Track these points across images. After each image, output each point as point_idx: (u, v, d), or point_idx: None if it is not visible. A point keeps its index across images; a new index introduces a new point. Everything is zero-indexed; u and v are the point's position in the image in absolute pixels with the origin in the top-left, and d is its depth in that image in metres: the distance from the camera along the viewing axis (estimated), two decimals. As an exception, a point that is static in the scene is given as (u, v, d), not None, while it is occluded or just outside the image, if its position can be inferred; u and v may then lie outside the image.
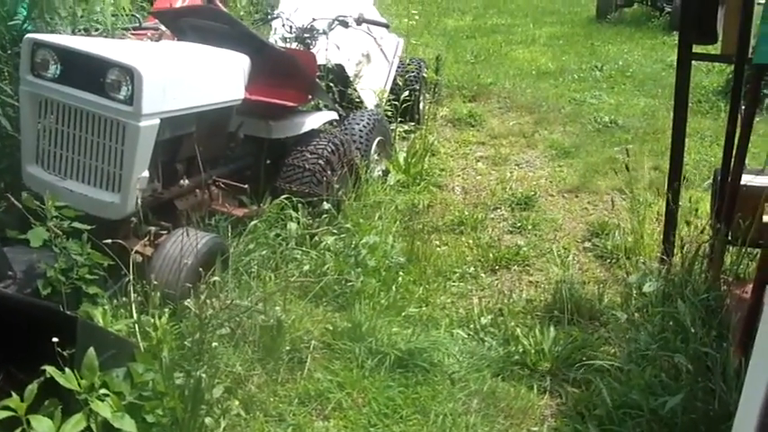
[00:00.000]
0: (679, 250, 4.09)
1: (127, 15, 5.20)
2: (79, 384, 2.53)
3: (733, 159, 3.90)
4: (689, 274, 3.90)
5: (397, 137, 6.90)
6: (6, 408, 2.40)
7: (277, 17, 6.29)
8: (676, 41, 4.23)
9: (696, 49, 4.18)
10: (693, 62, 4.23)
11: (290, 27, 5.98)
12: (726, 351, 3.10)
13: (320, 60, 5.67)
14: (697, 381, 3.06)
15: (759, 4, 3.97)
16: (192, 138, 4.26)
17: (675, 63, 4.22)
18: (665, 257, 4.34)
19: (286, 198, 4.72)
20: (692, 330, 3.32)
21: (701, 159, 6.98)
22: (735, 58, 3.99)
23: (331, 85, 6.02)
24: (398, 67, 7.47)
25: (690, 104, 4.36)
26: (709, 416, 2.91)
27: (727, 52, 4.03)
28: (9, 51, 4.45)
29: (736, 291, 3.70)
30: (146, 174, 3.86)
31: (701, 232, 4.00)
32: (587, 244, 5.39)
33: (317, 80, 5.48)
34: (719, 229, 3.86)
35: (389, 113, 6.81)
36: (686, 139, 4.42)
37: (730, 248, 4.01)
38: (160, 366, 2.92)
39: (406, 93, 7.03)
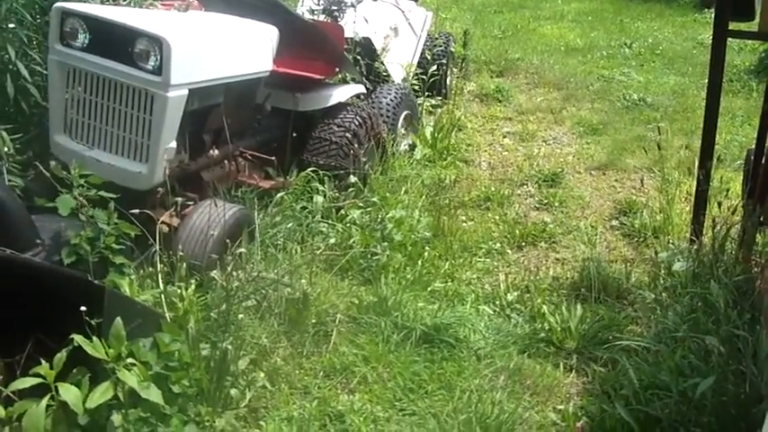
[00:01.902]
0: (709, 230, 4.04)
1: (155, -15, 5.18)
2: (107, 353, 2.53)
3: (768, 139, 3.83)
4: (720, 255, 3.85)
5: (423, 111, 6.86)
6: (36, 375, 2.41)
7: (305, -11, 6.25)
8: (707, 19, 4.19)
9: (732, 26, 4.10)
10: (727, 40, 4.15)
11: (319, -1, 5.94)
12: (758, 334, 3.05)
13: (348, 33, 5.62)
14: (728, 363, 3.01)
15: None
16: (220, 109, 4.24)
17: (708, 41, 4.14)
18: (694, 238, 4.28)
19: (312, 171, 4.71)
20: (724, 312, 3.27)
21: (731, 139, 6.86)
22: (774, 36, 3.92)
23: (358, 58, 5.97)
24: (426, 41, 7.41)
25: (722, 83, 4.28)
26: (739, 399, 2.86)
27: (765, 29, 3.94)
28: (38, 20, 4.44)
29: (769, 273, 3.65)
30: (173, 144, 3.85)
31: (733, 213, 3.94)
32: (614, 222, 5.34)
33: (345, 53, 5.44)
34: (752, 210, 3.80)
35: (417, 87, 6.77)
36: (718, 119, 4.34)
37: (762, 229, 3.95)
38: (186, 337, 2.92)
39: (434, 67, 6.96)
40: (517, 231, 5.04)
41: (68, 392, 2.45)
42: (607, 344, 3.68)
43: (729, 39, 4.19)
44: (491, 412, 3.19)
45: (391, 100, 5.81)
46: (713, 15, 4.17)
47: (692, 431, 2.92)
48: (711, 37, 4.14)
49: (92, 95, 3.88)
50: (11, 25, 4.19)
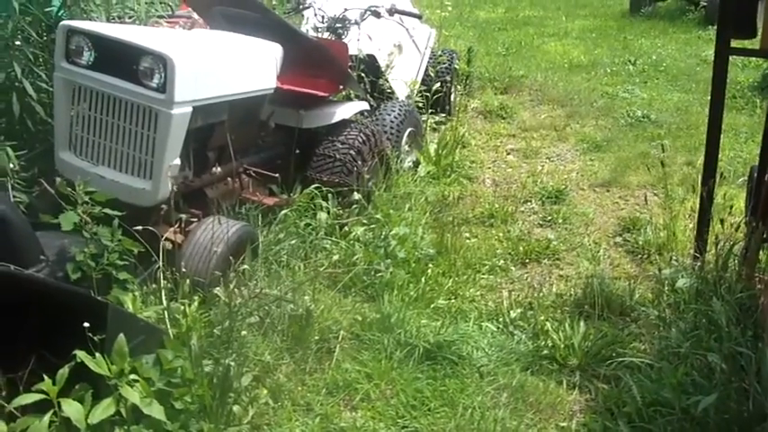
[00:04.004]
0: (713, 247, 4.04)
1: (160, 3, 5.22)
2: (109, 369, 2.54)
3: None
4: (723, 272, 3.85)
5: (427, 128, 6.86)
6: (38, 391, 2.42)
7: (309, 7, 6.27)
8: (711, 36, 4.20)
9: (734, 43, 4.11)
10: (730, 57, 4.16)
11: (323, 17, 5.97)
12: (761, 351, 3.05)
13: (352, 50, 5.64)
14: (731, 380, 3.01)
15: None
16: (224, 126, 4.26)
17: (711, 58, 4.15)
18: (697, 254, 4.28)
19: (316, 188, 4.71)
20: (727, 329, 3.26)
21: (735, 156, 6.86)
22: (775, 53, 3.93)
23: (362, 75, 6.00)
24: (430, 58, 7.42)
25: (725, 100, 4.29)
26: (742, 416, 2.86)
27: (766, 47, 3.95)
28: (44, 38, 4.48)
29: (772, 289, 3.65)
30: (177, 161, 3.87)
31: (736, 230, 3.94)
32: (618, 239, 5.32)
33: (349, 70, 5.46)
34: (755, 227, 3.80)
35: (420, 104, 6.78)
36: (721, 135, 4.35)
37: (766, 247, 3.95)
38: (189, 353, 2.92)
39: (438, 84, 6.99)
40: (521, 248, 5.04)
41: (71, 408, 2.45)
42: (610, 361, 3.67)
43: (733, 56, 4.20)
44: (494, 429, 3.18)
45: (395, 117, 5.83)
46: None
47: (695, 449, 2.92)
48: (714, 54, 4.16)
49: (97, 113, 3.90)
50: (17, 43, 4.23)
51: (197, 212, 4.03)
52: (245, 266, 3.73)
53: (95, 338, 2.50)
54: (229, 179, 4.42)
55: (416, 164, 6.13)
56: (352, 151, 4.95)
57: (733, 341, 3.19)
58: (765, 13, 4.01)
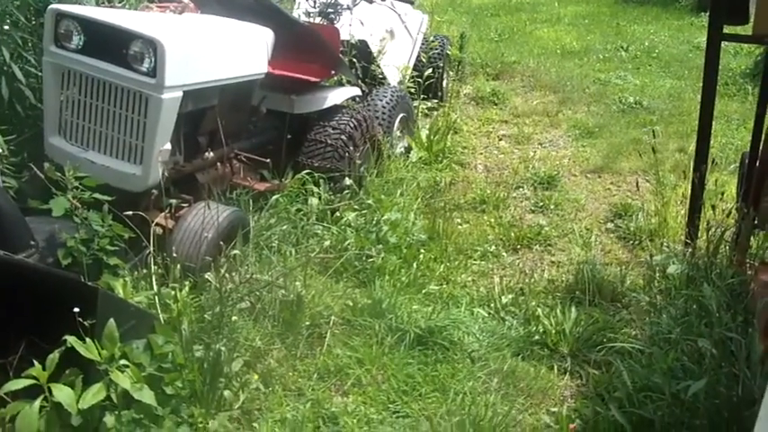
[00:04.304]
0: (704, 233, 4.05)
1: (151, -13, 5.19)
2: (100, 355, 2.54)
3: (762, 143, 3.83)
4: (714, 258, 3.86)
5: (419, 114, 6.86)
6: (29, 376, 2.41)
7: (301, -9, 6.25)
8: (703, 22, 4.19)
9: (726, 29, 4.11)
10: (722, 44, 4.15)
11: (314, 2, 5.94)
12: (751, 337, 3.06)
13: (344, 36, 5.62)
14: (721, 366, 3.01)
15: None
16: (215, 111, 4.24)
17: (704, 45, 4.15)
18: (689, 240, 4.29)
19: (308, 173, 4.71)
20: (717, 315, 3.27)
21: (727, 142, 6.87)
22: (767, 39, 3.92)
23: (354, 60, 5.98)
24: (422, 43, 7.41)
25: (717, 87, 4.28)
26: (732, 401, 2.87)
27: (759, 33, 3.95)
28: (33, 22, 4.44)
29: (762, 276, 3.65)
30: (168, 146, 3.85)
31: (727, 216, 3.94)
32: (610, 225, 5.34)
33: (341, 55, 5.44)
34: (746, 213, 3.81)
35: (412, 90, 6.78)
36: (713, 122, 4.35)
37: (757, 233, 3.95)
38: (180, 339, 2.92)
39: (430, 70, 6.99)
40: (512, 234, 5.04)
41: (61, 393, 2.45)
42: (601, 346, 3.68)
43: (725, 42, 4.20)
44: (485, 414, 3.18)
45: (387, 103, 5.81)
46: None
47: (685, 434, 2.93)
48: (706, 40, 4.15)
49: (86, 97, 3.87)
50: (5, 27, 4.19)
51: (188, 198, 4.02)
52: (236, 252, 3.72)
53: (86, 324, 2.49)
54: (220, 164, 4.41)
55: (408, 149, 6.12)
56: (343, 137, 4.94)
57: (723, 326, 3.20)
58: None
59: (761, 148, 3.87)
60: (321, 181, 4.72)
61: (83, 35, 3.85)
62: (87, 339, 2.52)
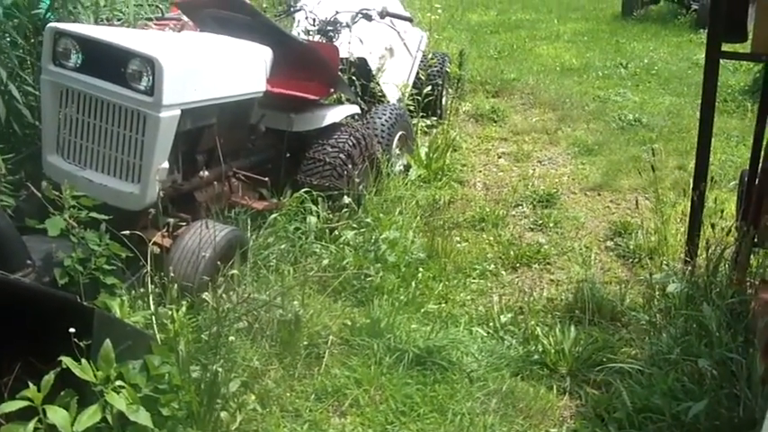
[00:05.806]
0: (703, 252, 4.03)
1: (149, 6, 5.20)
2: (95, 376, 2.51)
3: (762, 160, 3.82)
4: (714, 277, 3.84)
5: (418, 131, 6.85)
6: (23, 398, 2.39)
7: (300, 10, 6.26)
8: (703, 39, 4.18)
9: (725, 47, 4.11)
10: (721, 61, 4.15)
11: (313, 20, 5.95)
12: (752, 357, 3.04)
13: (343, 53, 5.62)
14: (721, 386, 3.00)
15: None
16: (213, 129, 4.24)
17: (703, 61, 4.15)
18: (688, 259, 4.27)
19: (306, 191, 4.70)
20: (717, 334, 3.26)
21: (726, 159, 6.87)
22: (766, 57, 3.92)
23: (353, 78, 5.98)
24: (421, 61, 7.41)
25: (716, 103, 4.28)
26: (733, 423, 2.85)
27: (757, 51, 3.95)
28: (32, 41, 4.45)
29: (763, 294, 3.63)
30: (166, 165, 3.84)
31: (727, 234, 3.93)
32: (609, 243, 5.32)
33: (340, 73, 5.44)
34: (746, 231, 3.80)
35: (412, 108, 6.77)
36: (712, 139, 4.34)
37: (757, 251, 3.94)
38: (177, 359, 2.90)
39: (429, 87, 6.99)
40: (512, 252, 5.02)
41: (56, 415, 2.42)
42: (601, 366, 3.66)
43: (724, 60, 4.20)
44: (483, 436, 3.17)
45: (386, 120, 5.81)
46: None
47: (686, 455, 2.91)
48: (704, 57, 4.15)
49: (84, 116, 3.87)
50: (3, 47, 4.20)
51: (185, 216, 4.01)
52: (234, 271, 3.71)
53: (81, 344, 2.47)
54: (218, 183, 4.40)
55: (407, 167, 6.11)
56: (342, 155, 4.93)
57: (724, 347, 3.18)
58: (756, 17, 4.00)
59: (760, 165, 3.86)
60: (320, 199, 4.71)
61: (81, 53, 3.85)
62: (83, 360, 2.49)
